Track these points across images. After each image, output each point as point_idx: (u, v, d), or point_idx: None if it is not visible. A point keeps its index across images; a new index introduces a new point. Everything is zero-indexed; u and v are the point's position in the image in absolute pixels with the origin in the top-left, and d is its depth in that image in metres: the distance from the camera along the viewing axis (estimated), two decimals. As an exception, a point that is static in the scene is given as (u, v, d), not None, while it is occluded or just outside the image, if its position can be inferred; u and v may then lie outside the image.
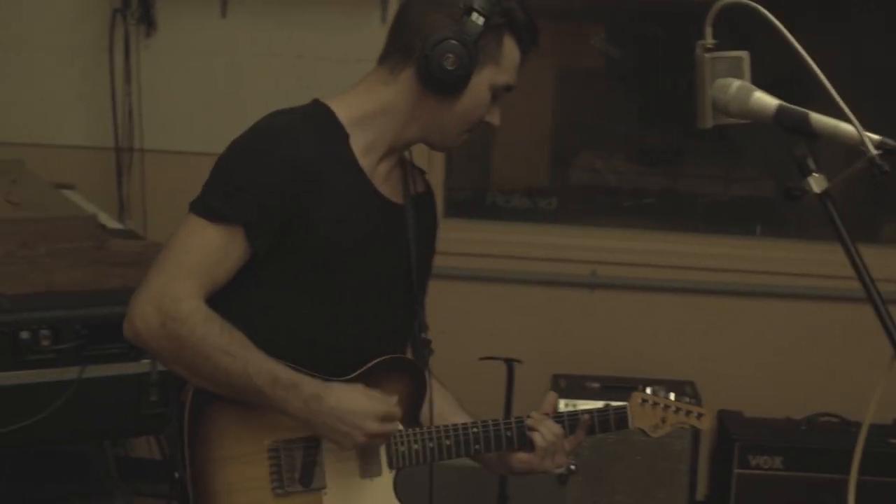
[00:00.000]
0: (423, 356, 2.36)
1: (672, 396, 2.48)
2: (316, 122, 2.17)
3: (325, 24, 4.26)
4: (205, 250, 2.07)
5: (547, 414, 2.34)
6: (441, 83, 2.13)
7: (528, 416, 2.31)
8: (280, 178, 2.08)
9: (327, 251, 2.15)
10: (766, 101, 1.78)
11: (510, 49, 2.19)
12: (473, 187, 4.94)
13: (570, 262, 4.34)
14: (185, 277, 2.05)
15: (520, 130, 4.68)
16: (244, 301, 2.13)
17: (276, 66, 4.30)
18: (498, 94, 2.21)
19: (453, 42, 2.10)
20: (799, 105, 1.74)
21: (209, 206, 2.08)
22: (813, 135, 1.72)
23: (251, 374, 2.06)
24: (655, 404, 2.41)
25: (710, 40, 1.84)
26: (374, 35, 4.19)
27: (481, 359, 3.42)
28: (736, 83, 1.81)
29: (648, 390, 2.47)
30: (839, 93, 1.66)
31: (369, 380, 2.19)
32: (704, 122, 1.83)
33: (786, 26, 1.69)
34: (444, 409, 2.38)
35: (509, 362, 3.51)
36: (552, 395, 2.45)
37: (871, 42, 4.64)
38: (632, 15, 4.87)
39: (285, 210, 2.09)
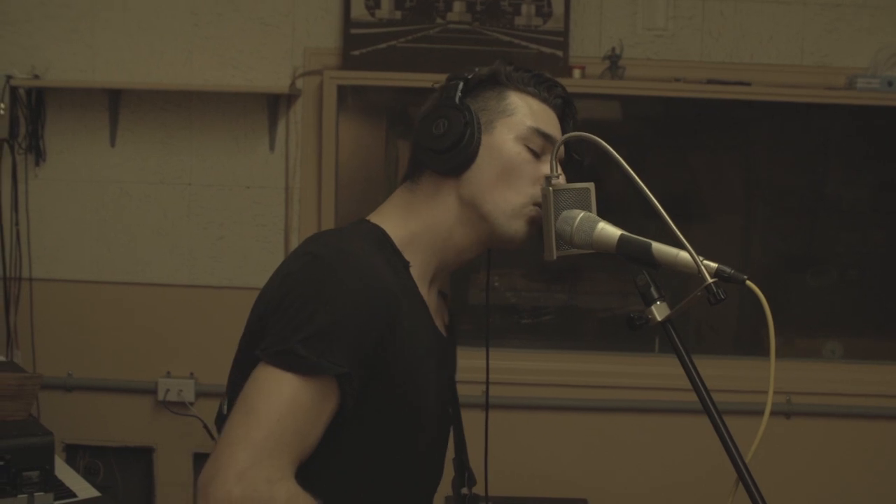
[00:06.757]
0: None
1: None
2: (382, 247, 1.86)
3: (214, 151, 4.27)
4: (297, 412, 1.68)
5: None
6: (449, 155, 1.89)
7: None
8: (371, 315, 1.74)
9: (408, 400, 1.85)
10: (610, 231, 1.79)
11: (518, 100, 1.95)
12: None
13: (463, 383, 4.30)
14: (277, 452, 1.66)
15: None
16: (317, 469, 1.78)
17: (166, 194, 4.30)
18: (536, 145, 1.93)
19: (436, 111, 1.92)
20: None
21: (295, 356, 1.69)
22: (655, 264, 1.74)
23: None
24: None
25: (555, 173, 1.86)
26: (263, 161, 4.25)
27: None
28: (580, 214, 1.81)
29: None
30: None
31: None
32: (550, 255, 1.83)
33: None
34: None
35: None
36: None
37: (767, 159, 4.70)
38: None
39: (377, 353, 1.76)
